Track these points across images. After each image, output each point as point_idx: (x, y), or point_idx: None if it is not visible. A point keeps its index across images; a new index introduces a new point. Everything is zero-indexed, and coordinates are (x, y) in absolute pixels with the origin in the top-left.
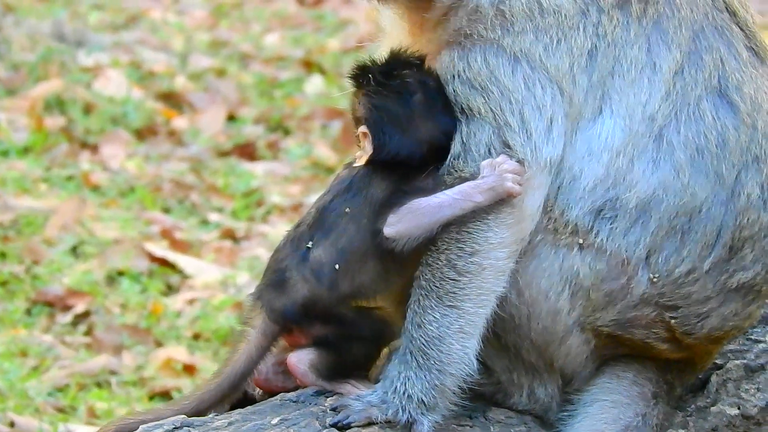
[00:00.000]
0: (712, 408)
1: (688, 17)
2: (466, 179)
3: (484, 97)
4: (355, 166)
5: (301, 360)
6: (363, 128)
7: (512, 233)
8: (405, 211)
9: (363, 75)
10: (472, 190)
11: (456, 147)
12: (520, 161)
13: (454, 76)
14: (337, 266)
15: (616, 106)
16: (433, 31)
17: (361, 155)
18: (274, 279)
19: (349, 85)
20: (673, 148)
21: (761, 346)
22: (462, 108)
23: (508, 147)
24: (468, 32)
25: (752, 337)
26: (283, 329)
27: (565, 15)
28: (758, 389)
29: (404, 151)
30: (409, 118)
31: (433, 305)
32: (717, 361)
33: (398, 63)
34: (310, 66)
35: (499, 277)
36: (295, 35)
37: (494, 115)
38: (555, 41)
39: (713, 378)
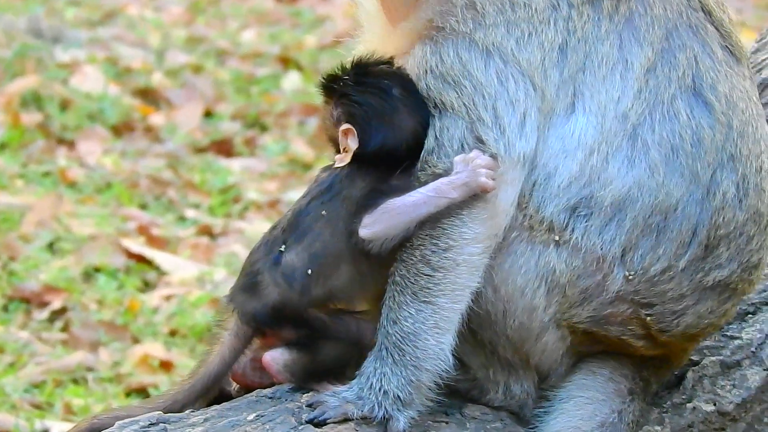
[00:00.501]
0: (688, 404)
1: (661, 15)
2: (439, 175)
3: (456, 92)
4: (337, 167)
5: (276, 360)
6: (345, 126)
7: (486, 228)
8: (380, 211)
9: (336, 81)
10: (446, 186)
11: (429, 142)
12: (493, 156)
13: (426, 71)
14: (309, 271)
15: (588, 103)
16: (406, 20)
17: (343, 157)
18: (247, 282)
19: (321, 95)
20: (648, 146)
21: (737, 342)
22: (435, 103)
23: (481, 142)
24: (440, 25)
25: (728, 333)
26: (256, 332)
27: (536, 9)
28: (734, 386)
29: (390, 142)
30: (392, 110)
31: (408, 301)
32: (693, 358)
33: (369, 64)
34: (287, 62)
35: (473, 273)
36: (272, 31)
37: (467, 109)
38: (526, 35)
39: (689, 374)
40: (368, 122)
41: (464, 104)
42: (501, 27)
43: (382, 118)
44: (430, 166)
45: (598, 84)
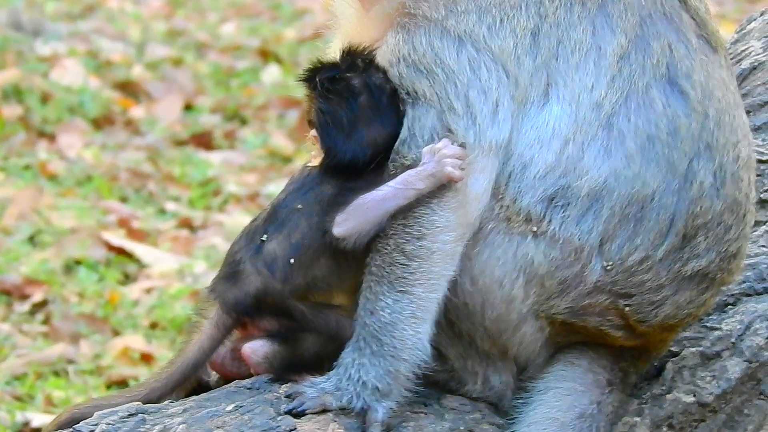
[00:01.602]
0: (667, 395)
1: (634, 3)
2: (408, 166)
3: (429, 80)
4: (309, 166)
5: (255, 351)
6: (313, 132)
7: (458, 216)
8: (351, 208)
9: (312, 78)
10: (413, 178)
11: (403, 133)
12: (462, 145)
13: (399, 60)
14: (292, 260)
15: (562, 91)
16: (378, 3)
17: (317, 156)
18: (228, 271)
19: (303, 88)
20: (624, 136)
21: (717, 333)
22: (408, 91)
23: (450, 131)
24: (412, 11)
25: (708, 324)
26: (237, 322)
27: None
28: (714, 377)
29: (348, 154)
30: (352, 122)
31: (384, 291)
32: (672, 349)
33: (346, 63)
34: (266, 55)
35: (448, 261)
36: (252, 24)
37: (439, 98)
38: (498, 21)
39: (669, 365)
40: (328, 134)
41: (436, 93)
42: (473, 14)
43: (341, 131)
44: (400, 158)
45: (571, 71)
